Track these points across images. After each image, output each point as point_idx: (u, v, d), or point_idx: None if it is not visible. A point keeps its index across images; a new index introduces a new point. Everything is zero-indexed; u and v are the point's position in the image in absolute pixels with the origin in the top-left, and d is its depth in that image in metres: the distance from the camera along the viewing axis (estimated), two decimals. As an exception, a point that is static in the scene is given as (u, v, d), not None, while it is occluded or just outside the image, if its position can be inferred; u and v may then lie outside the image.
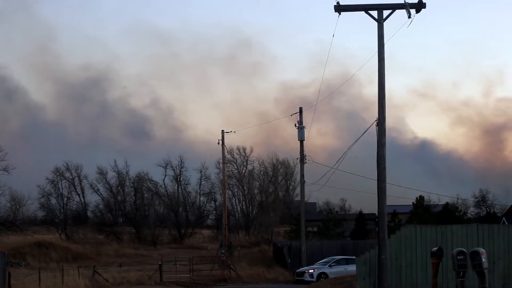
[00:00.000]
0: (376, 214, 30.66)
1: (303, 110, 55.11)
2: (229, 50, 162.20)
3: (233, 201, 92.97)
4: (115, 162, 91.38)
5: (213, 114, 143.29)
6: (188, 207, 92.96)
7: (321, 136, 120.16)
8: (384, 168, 28.70)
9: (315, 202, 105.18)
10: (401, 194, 69.03)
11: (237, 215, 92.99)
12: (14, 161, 76.05)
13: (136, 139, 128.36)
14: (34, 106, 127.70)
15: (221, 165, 74.90)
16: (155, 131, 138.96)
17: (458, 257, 23.08)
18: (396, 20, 28.75)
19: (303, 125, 54.68)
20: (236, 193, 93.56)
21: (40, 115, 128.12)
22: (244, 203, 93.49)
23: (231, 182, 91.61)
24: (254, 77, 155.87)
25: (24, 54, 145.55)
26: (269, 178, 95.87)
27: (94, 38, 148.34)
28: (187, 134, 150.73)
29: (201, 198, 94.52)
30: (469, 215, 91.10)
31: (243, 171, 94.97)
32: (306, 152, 54.83)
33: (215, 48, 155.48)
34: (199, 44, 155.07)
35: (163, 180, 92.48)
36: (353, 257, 44.86)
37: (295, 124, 54.91)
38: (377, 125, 28.78)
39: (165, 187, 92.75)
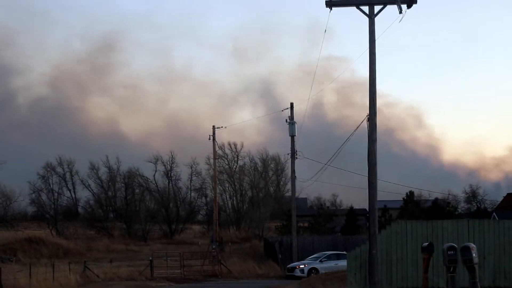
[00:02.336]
0: (367, 209, 30.71)
1: (294, 105, 55.21)
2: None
3: (224, 197, 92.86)
4: (107, 157, 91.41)
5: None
6: (178, 202, 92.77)
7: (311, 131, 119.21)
8: (375, 164, 28.77)
9: (306, 198, 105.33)
10: (390, 189, 69.16)
11: (228, 211, 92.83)
12: (3, 155, 76.17)
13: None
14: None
15: (211, 160, 74.87)
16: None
17: (449, 252, 23.12)
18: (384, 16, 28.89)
19: (294, 120, 54.74)
20: (227, 188, 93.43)
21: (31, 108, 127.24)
22: (235, 198, 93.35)
23: (222, 178, 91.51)
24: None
25: None
26: (260, 174, 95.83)
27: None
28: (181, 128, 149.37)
29: (192, 194, 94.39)
30: (459, 210, 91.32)
31: (234, 166, 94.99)
32: (297, 147, 54.89)
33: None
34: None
35: (154, 175, 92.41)
36: (344, 252, 44.96)
37: (286, 120, 54.92)
38: (368, 120, 28.83)
39: (156, 183, 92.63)
